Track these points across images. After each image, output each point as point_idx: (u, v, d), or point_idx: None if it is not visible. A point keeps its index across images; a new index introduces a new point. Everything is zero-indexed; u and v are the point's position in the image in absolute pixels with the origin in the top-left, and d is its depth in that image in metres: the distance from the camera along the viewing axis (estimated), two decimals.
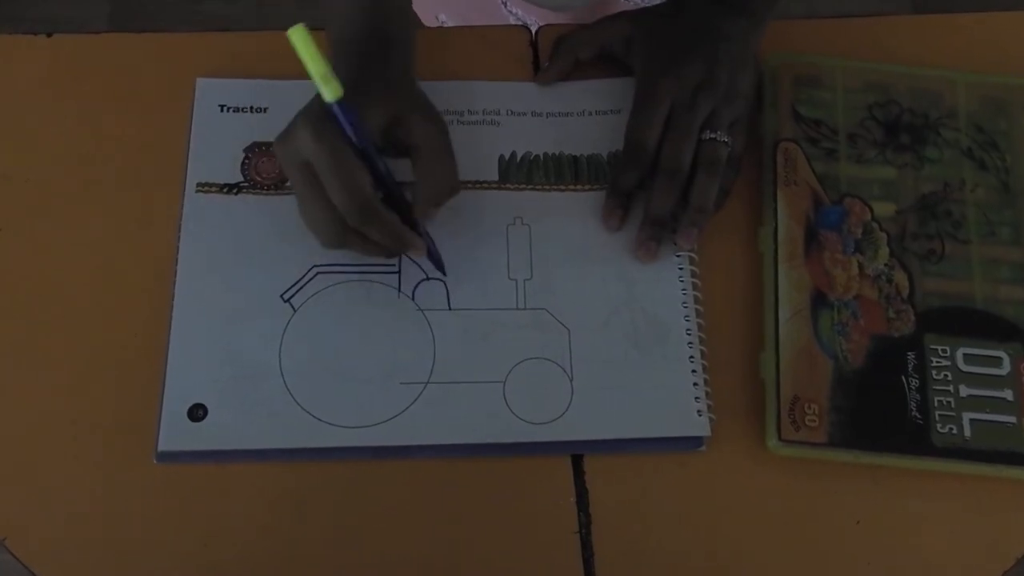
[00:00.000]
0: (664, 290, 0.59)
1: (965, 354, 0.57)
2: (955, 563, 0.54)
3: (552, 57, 0.65)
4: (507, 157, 0.63)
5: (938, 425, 0.55)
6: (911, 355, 0.57)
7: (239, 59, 0.64)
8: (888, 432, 0.55)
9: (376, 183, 0.53)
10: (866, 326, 0.57)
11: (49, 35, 0.66)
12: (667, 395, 0.56)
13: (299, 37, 0.48)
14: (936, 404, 0.56)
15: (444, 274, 0.58)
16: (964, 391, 0.56)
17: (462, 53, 0.67)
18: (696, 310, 0.59)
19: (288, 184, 0.59)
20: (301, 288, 0.58)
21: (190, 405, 0.54)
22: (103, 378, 0.56)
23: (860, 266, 0.59)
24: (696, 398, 0.56)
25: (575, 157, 0.63)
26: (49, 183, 0.61)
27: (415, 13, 0.60)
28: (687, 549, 0.54)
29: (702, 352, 0.57)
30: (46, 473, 0.54)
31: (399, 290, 0.58)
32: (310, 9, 0.61)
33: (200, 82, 0.63)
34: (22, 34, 0.66)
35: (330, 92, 0.49)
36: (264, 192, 0.60)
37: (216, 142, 0.62)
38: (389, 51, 0.57)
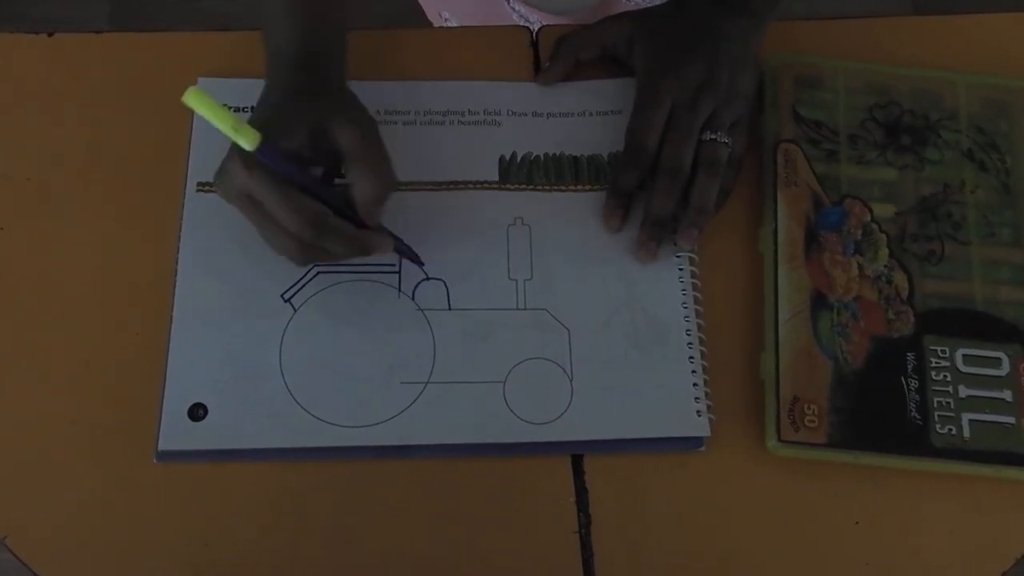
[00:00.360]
0: (664, 290, 0.59)
1: (964, 355, 0.57)
2: (954, 563, 0.54)
3: (553, 57, 0.65)
4: (507, 157, 0.63)
5: (937, 426, 0.55)
6: (911, 356, 0.57)
7: (240, 58, 0.64)
8: (887, 433, 0.55)
9: (320, 202, 0.52)
10: (866, 327, 0.57)
11: (50, 35, 0.66)
12: (667, 395, 0.56)
13: (196, 101, 0.48)
14: (935, 405, 0.56)
15: (422, 265, 0.58)
16: (963, 392, 0.56)
17: (463, 53, 0.67)
18: (696, 310, 0.59)
19: None
20: (301, 288, 0.58)
21: (190, 405, 0.54)
22: (103, 378, 0.56)
23: (860, 267, 0.59)
24: (696, 398, 0.56)
25: (575, 157, 0.63)
26: (49, 183, 0.61)
27: (348, 14, 0.60)
28: (687, 549, 0.54)
29: (702, 352, 0.57)
30: (46, 473, 0.54)
31: (399, 290, 0.58)
32: None
33: (201, 81, 0.63)
34: (23, 33, 0.66)
35: (247, 142, 0.49)
36: None
37: (217, 142, 0.61)
38: (325, 66, 0.57)
